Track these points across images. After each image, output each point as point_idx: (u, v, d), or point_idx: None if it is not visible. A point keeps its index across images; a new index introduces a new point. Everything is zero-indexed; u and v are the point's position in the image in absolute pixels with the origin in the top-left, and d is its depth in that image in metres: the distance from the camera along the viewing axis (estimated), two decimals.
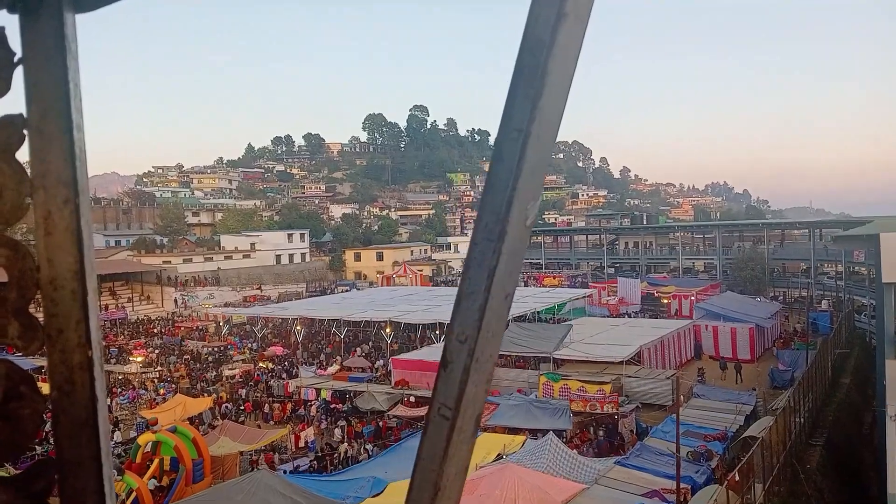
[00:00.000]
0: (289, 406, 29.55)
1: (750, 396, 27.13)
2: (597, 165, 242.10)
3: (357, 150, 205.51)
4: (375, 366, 36.09)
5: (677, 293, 54.78)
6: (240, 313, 48.22)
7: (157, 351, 42.10)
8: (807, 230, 61.65)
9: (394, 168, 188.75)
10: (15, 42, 0.76)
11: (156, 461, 19.73)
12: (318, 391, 29.86)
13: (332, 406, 28.85)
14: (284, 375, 34.63)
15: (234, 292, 67.84)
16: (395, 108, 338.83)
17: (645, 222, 74.10)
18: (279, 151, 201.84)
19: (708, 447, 21.40)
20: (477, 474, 16.30)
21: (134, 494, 17.17)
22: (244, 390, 32.47)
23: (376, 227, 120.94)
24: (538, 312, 43.23)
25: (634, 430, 25.16)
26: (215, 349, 41.55)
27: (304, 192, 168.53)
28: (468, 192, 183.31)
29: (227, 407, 29.81)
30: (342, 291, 71.66)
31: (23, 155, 0.76)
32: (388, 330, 39.50)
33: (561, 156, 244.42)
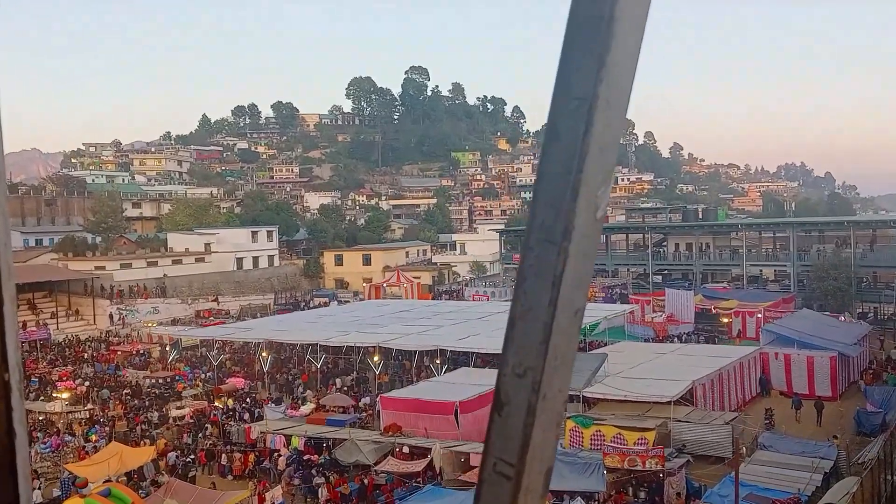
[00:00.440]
0: (251, 457, 29.69)
1: (830, 448, 27.13)
2: (640, 142, 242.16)
3: (339, 122, 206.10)
4: (360, 404, 36.22)
5: (740, 309, 54.81)
6: (191, 335, 48.37)
7: (87, 383, 42.30)
8: None
9: (385, 145, 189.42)
10: None
11: None
12: (289, 438, 29.99)
13: (306, 457, 28.97)
14: (246, 416, 34.77)
15: (183, 305, 68.09)
16: (386, 71, 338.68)
17: (700, 218, 74.14)
18: (241, 125, 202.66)
19: None
20: None
21: None
22: (195, 435, 32.61)
23: (363, 222, 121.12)
24: None
25: (684, 493, 25.19)
26: (160, 381, 41.75)
27: (272, 177, 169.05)
28: (478, 176, 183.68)
29: (174, 457, 29.95)
30: (319, 305, 71.84)
31: None
32: (376, 358, 39.63)
33: None
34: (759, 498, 22.65)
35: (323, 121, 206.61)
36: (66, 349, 54.88)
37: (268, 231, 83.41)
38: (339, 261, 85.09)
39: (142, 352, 50.93)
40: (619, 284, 67.09)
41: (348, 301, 73.79)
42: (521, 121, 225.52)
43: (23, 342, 53.73)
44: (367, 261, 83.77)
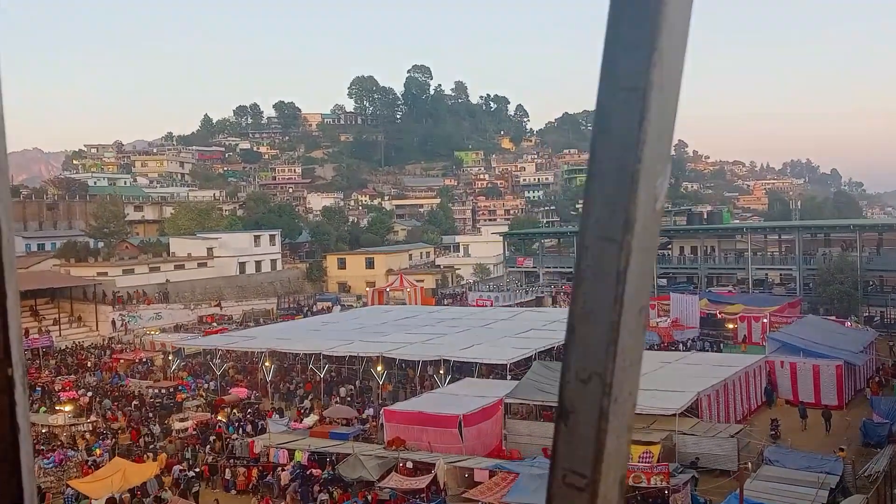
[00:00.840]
0: (255, 471, 29.74)
1: (836, 463, 27.08)
2: None
3: (341, 122, 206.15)
4: (364, 415, 36.27)
5: (746, 314, 54.73)
6: (193, 345, 48.46)
7: (90, 393, 42.40)
8: None
9: (388, 145, 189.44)
10: None
11: None
12: (292, 453, 30.05)
13: (309, 471, 29.02)
14: (249, 428, 34.83)
15: (186, 311, 68.25)
16: (389, 70, 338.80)
17: (705, 221, 74.11)
18: (243, 125, 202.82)
19: None
20: None
21: None
22: (195, 450, 32.66)
23: (366, 223, 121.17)
24: None
25: None
26: (162, 391, 41.82)
27: (274, 178, 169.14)
28: (482, 175, 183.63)
29: (178, 471, 30.01)
30: (323, 309, 71.97)
31: None
32: (379, 368, 39.69)
33: None
34: None
35: (325, 120, 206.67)
36: (69, 357, 55.01)
37: (270, 235, 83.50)
38: (342, 264, 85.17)
39: (144, 360, 51.02)
40: None
41: (352, 305, 73.89)
42: (525, 119, 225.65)
43: (26, 350, 53.69)
44: (370, 264, 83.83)
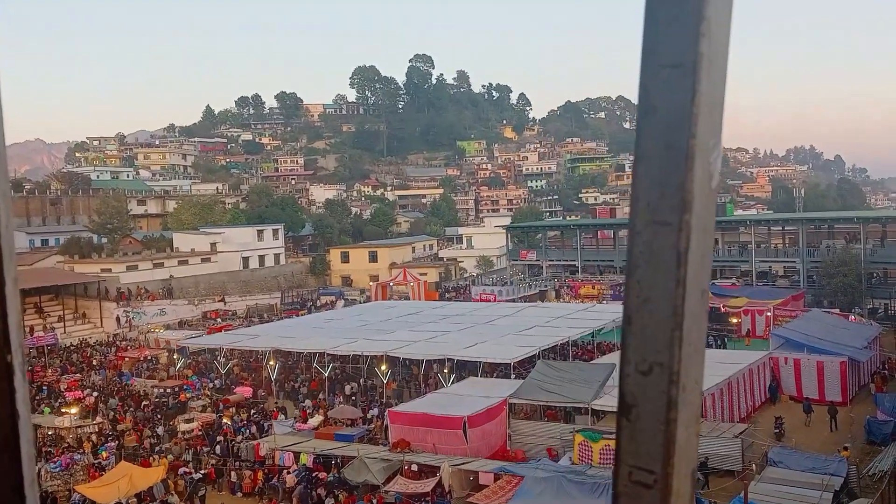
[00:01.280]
0: (260, 474, 29.86)
1: (840, 464, 27.12)
2: None
3: (343, 112, 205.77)
4: (368, 415, 36.36)
5: (749, 307, 54.76)
6: (197, 344, 48.55)
7: (95, 393, 42.53)
8: None
9: (390, 135, 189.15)
10: None
11: None
12: (297, 455, 30.15)
13: (314, 474, 29.12)
14: (254, 429, 34.94)
15: (190, 306, 68.42)
16: (391, 59, 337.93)
17: None
18: (245, 115, 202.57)
19: None
20: None
21: None
22: (198, 452, 32.80)
23: (369, 214, 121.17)
24: (573, 342, 43.33)
25: None
26: (167, 390, 41.94)
27: (277, 168, 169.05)
28: (484, 165, 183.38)
29: (184, 474, 30.14)
30: (326, 303, 72.09)
31: None
32: (383, 367, 39.77)
33: (602, 115, 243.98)
34: None
35: (327, 111, 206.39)
36: (74, 354, 55.18)
37: (273, 229, 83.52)
38: (345, 258, 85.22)
39: (149, 357, 51.16)
40: None
41: (355, 299, 74.02)
42: (527, 108, 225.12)
43: (31, 348, 54.10)
44: (373, 258, 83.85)
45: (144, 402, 40.40)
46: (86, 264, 69.00)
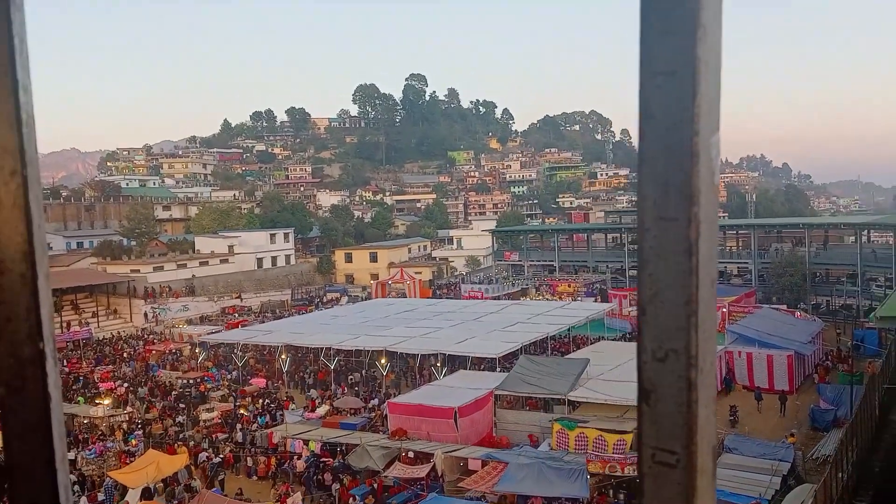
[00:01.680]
0: (273, 460, 29.76)
1: (787, 450, 27.24)
2: (617, 138, 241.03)
3: (347, 125, 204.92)
4: (370, 404, 36.30)
5: None
6: (217, 340, 48.36)
7: (125, 384, 42.34)
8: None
9: (388, 146, 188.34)
10: None
11: None
12: (307, 442, 30.07)
13: (322, 460, 29.05)
14: (267, 418, 34.84)
15: (210, 303, 68.15)
16: (389, 78, 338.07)
17: None
18: (259, 128, 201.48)
19: None
20: None
21: None
22: (223, 437, 32.71)
23: (369, 217, 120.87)
24: (552, 337, 43.33)
25: None
26: (190, 382, 41.77)
27: (287, 176, 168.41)
28: (472, 173, 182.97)
29: (205, 458, 30.04)
30: (332, 299, 71.93)
31: None
32: (383, 360, 39.71)
33: (577, 128, 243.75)
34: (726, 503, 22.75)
35: (332, 124, 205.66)
36: (106, 347, 54.90)
37: (284, 233, 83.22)
38: (348, 258, 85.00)
39: (174, 350, 50.92)
40: (600, 280, 67.12)
41: (357, 295, 73.91)
42: (510, 122, 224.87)
43: (67, 341, 53.77)
44: (373, 258, 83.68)
45: (170, 393, 40.23)
46: (117, 265, 68.66)
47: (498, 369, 37.11)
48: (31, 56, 0.74)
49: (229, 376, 43.52)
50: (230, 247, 76.94)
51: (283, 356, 42.79)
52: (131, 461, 28.99)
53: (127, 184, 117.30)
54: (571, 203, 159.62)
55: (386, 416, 32.38)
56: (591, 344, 44.11)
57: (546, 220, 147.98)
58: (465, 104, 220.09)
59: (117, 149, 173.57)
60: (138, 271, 67.13)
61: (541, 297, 63.80)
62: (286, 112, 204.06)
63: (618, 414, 30.80)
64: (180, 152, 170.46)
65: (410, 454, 27.97)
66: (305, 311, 65.24)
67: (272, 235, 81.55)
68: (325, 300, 72.19)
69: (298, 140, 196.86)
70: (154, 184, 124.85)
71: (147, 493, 26.23)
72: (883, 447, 31.24)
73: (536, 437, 31.03)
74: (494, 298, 63.14)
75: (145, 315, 63.41)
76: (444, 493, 25.43)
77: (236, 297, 70.12)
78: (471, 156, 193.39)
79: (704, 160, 0.71)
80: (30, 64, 0.75)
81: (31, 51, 0.74)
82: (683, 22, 0.70)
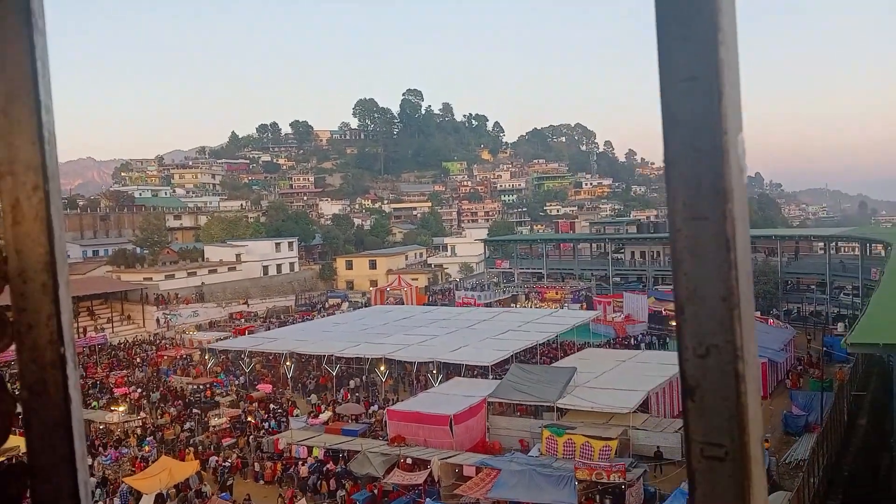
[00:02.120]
0: (279, 465, 29.63)
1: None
2: (601, 149, 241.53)
3: (347, 137, 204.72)
4: (370, 410, 36.20)
5: None
6: (225, 347, 48.15)
7: (139, 389, 42.11)
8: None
9: (386, 157, 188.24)
10: None
11: None
12: (310, 449, 29.94)
13: (325, 466, 28.94)
14: (273, 424, 34.70)
15: (219, 309, 67.88)
16: (387, 93, 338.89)
17: (652, 230, 74.22)
18: (265, 140, 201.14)
19: None
20: None
21: None
22: (232, 442, 32.57)
23: (369, 225, 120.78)
24: (540, 344, 43.31)
25: (642, 499, 25.32)
26: (200, 387, 41.56)
27: (291, 185, 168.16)
28: (465, 183, 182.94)
29: (215, 463, 29.89)
30: (334, 305, 71.79)
31: None
32: (381, 368, 39.64)
33: (563, 139, 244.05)
34: None
35: (333, 136, 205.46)
36: (121, 352, 54.63)
37: (289, 242, 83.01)
38: (349, 265, 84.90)
39: (185, 356, 50.68)
40: (585, 287, 67.16)
41: (357, 301, 73.82)
42: (501, 134, 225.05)
43: (84, 346, 53.48)
44: (373, 265, 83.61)
45: (181, 398, 40.02)
46: (131, 273, 68.37)
47: (490, 377, 37.09)
48: (52, 69, 0.75)
49: (237, 382, 43.34)
50: (238, 255, 76.75)
51: (287, 363, 42.65)
52: (145, 467, 28.82)
53: (140, 194, 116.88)
54: (558, 211, 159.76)
55: (385, 422, 32.29)
56: (578, 351, 44.16)
57: (535, 227, 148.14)
58: (459, 118, 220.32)
59: (130, 159, 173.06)
60: (151, 279, 66.86)
61: (530, 304, 63.80)
62: (290, 125, 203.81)
63: (603, 421, 30.82)
64: (190, 163, 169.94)
65: (409, 460, 27.87)
66: (309, 316, 65.10)
67: (277, 244, 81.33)
68: (327, 306, 72.07)
69: (302, 151, 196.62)
70: (166, 193, 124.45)
71: (160, 499, 26.09)
72: (851, 451, 31.35)
73: (527, 442, 31.01)
74: (486, 305, 63.14)
75: (157, 321, 63.12)
76: (440, 499, 25.36)
77: (243, 304, 69.89)
78: (464, 166, 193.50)
79: (733, 158, 0.70)
80: (51, 86, 0.76)
81: (52, 63, 0.75)
82: (703, 28, 0.69)
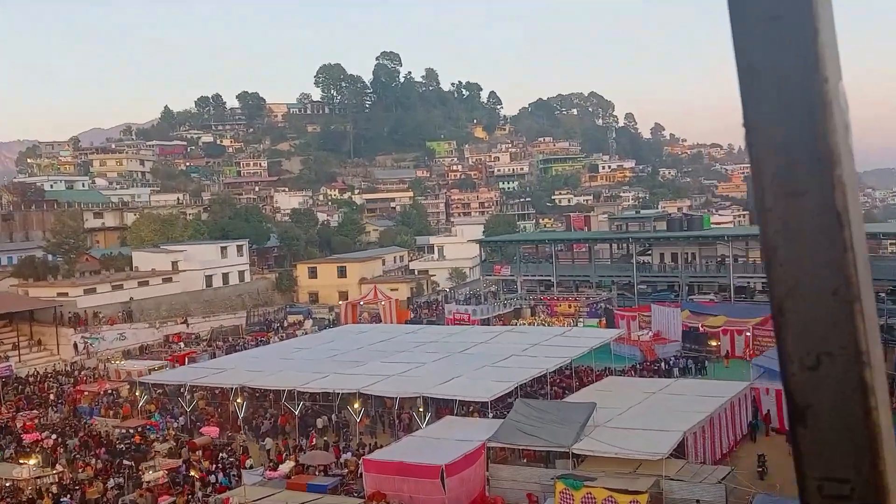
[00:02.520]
0: None
1: None
2: (621, 124, 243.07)
3: (308, 112, 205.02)
4: (342, 459, 36.17)
5: (728, 327, 55.36)
6: (160, 380, 47.93)
7: (54, 435, 41.82)
8: None
9: (357, 135, 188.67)
10: None
11: None
12: None
13: None
14: (223, 478, 34.56)
15: (151, 329, 67.63)
16: (357, 57, 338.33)
17: (685, 227, 74.54)
18: (205, 116, 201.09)
19: None
20: None
21: None
22: (170, 501, 32.38)
23: (336, 220, 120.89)
24: (551, 373, 43.46)
25: None
26: (130, 431, 41.34)
27: (240, 173, 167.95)
28: (454, 167, 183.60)
29: None
30: (294, 323, 71.72)
31: None
32: (355, 405, 39.60)
33: (574, 112, 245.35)
34: None
35: (291, 111, 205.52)
36: (29, 386, 54.18)
37: (237, 245, 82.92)
38: (312, 273, 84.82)
39: (109, 391, 50.33)
40: (604, 299, 67.45)
41: (324, 318, 73.69)
42: (498, 106, 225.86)
43: None
44: (342, 273, 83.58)
45: (106, 446, 39.76)
46: (40, 287, 67.96)
47: (490, 415, 37.11)
48: None
49: (176, 424, 43.13)
50: (174, 263, 76.47)
51: (238, 399, 42.51)
52: None
53: (52, 185, 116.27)
54: (570, 201, 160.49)
55: (361, 474, 32.24)
56: (597, 380, 44.34)
57: (541, 221, 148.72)
58: (446, 86, 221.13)
59: (39, 142, 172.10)
60: (66, 294, 66.49)
61: (537, 321, 63.96)
62: (237, 97, 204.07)
63: (630, 469, 30.92)
64: (113, 146, 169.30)
65: None
66: (263, 338, 64.94)
67: (223, 248, 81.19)
68: (285, 325, 71.95)
69: (252, 130, 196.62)
70: (83, 185, 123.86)
71: None
72: None
73: (536, 497, 31.09)
74: (484, 322, 63.24)
75: (75, 346, 62.68)
76: None
77: (182, 323, 69.63)
78: (452, 147, 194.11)
79: (837, 113, 0.68)
80: None
81: None
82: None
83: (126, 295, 69.58)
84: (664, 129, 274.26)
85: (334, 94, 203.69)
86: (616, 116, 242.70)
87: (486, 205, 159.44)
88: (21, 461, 36.20)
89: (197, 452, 38.14)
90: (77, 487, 34.37)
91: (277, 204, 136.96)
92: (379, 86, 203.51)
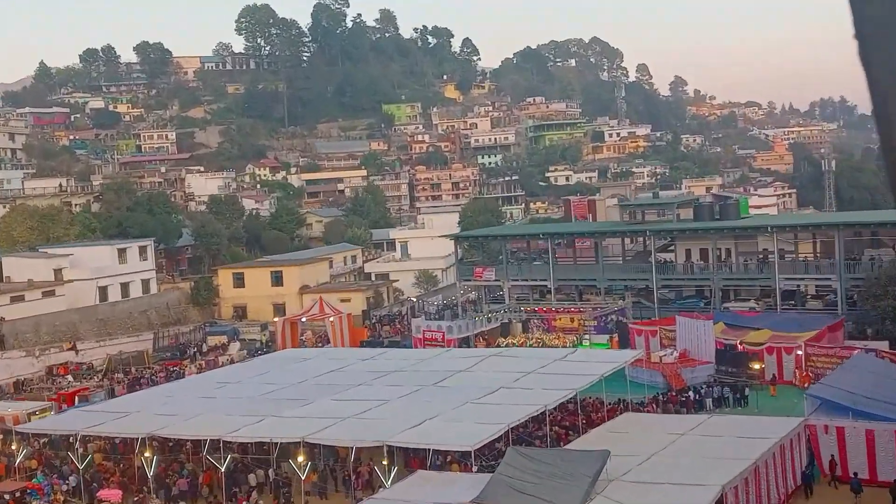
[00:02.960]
0: None
1: None
2: (632, 79, 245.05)
3: (228, 67, 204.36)
4: None
5: (774, 344, 55.73)
6: (42, 429, 47.64)
7: None
8: None
9: (293, 97, 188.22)
10: None
11: None
12: None
13: None
14: None
15: (30, 359, 67.20)
16: None
17: (717, 215, 74.91)
18: (94, 75, 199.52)
19: None
20: None
21: None
22: None
23: (268, 212, 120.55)
24: (551, 410, 43.66)
25: None
26: (5, 497, 41.05)
27: (140, 148, 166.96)
28: (420, 136, 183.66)
29: None
30: (214, 346, 71.48)
31: None
32: (300, 457, 39.54)
33: (572, 63, 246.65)
34: None
35: (206, 66, 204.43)
36: None
37: (140, 245, 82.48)
38: (239, 281, 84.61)
39: None
40: (616, 309, 67.74)
41: (254, 339, 73.45)
42: (474, 58, 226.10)
43: None
44: (277, 279, 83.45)
45: None
46: None
47: (475, 468, 37.22)
48: None
49: (65, 486, 42.92)
50: (57, 271, 75.93)
51: (146, 452, 42.24)
52: None
53: None
54: (568, 180, 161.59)
55: None
56: (610, 417, 44.59)
57: (531, 206, 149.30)
58: (406, 33, 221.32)
59: None
60: None
61: (530, 340, 64.17)
62: (135, 49, 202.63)
63: None
64: None
65: None
66: (177, 367, 64.57)
67: (121, 250, 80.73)
68: (204, 349, 71.66)
69: (155, 91, 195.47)
70: None
71: None
72: None
73: None
74: (462, 342, 63.28)
75: None
76: None
77: (69, 349, 69.23)
78: (416, 110, 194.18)
79: None
80: None
81: None
82: None
83: None
84: (686, 85, 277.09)
85: (262, 43, 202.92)
86: (625, 69, 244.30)
87: (461, 186, 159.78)
88: None
89: None
90: None
91: (190, 189, 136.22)
92: (320, 32, 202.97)
